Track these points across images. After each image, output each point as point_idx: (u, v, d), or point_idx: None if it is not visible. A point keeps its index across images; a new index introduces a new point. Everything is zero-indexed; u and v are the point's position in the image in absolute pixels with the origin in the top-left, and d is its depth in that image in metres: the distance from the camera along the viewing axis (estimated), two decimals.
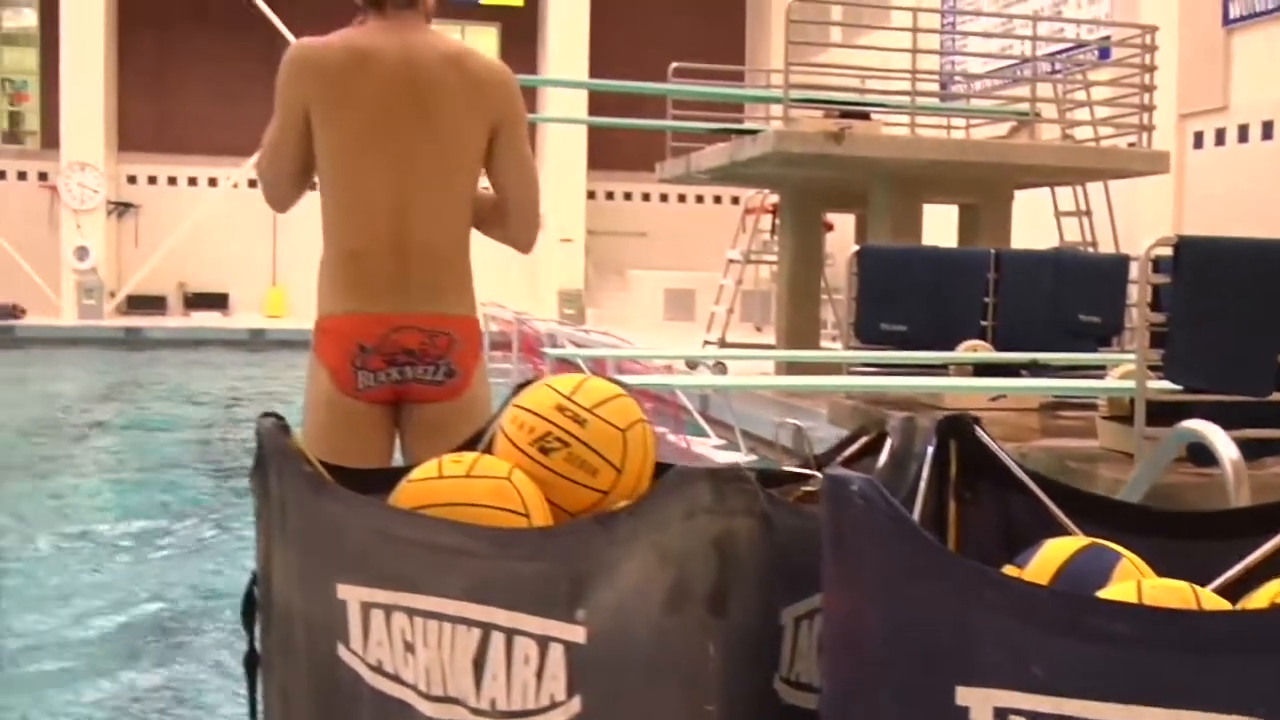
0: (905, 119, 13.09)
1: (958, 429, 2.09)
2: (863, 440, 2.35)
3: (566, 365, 13.99)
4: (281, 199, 3.86)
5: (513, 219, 3.88)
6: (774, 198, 16.05)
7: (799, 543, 1.78)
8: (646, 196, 28.51)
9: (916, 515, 1.87)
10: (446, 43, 3.73)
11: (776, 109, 13.95)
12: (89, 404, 15.34)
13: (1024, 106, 13.38)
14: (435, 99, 3.61)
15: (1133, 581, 1.74)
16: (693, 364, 12.50)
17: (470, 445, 2.56)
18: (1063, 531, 1.99)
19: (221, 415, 14.14)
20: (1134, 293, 9.40)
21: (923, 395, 9.14)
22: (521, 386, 2.47)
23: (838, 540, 1.62)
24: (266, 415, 2.32)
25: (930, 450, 2.02)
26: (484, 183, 3.91)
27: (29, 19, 27.49)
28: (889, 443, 2.15)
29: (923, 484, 1.93)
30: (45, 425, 13.27)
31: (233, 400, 15.56)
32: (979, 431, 2.09)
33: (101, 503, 9.03)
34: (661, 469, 2.36)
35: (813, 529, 1.70)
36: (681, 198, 28.07)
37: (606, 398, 2.31)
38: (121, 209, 26.79)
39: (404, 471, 2.31)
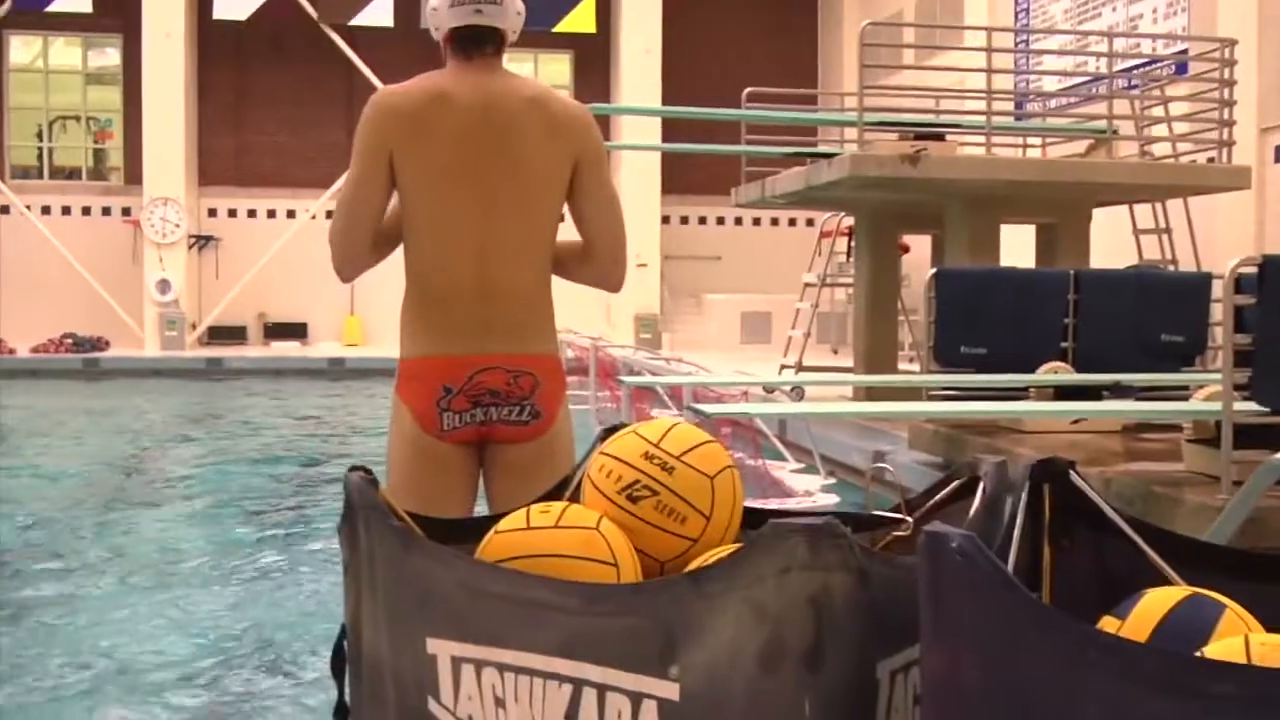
0: (981, 138, 13.00)
1: (1051, 473, 2.06)
2: (954, 484, 2.32)
3: (644, 393, 14.04)
4: (353, 261, 3.78)
5: (600, 256, 3.82)
6: (849, 220, 15.98)
7: (894, 594, 1.76)
8: (721, 220, 28.51)
9: (1011, 562, 1.84)
10: (526, 84, 3.74)
11: (851, 131, 13.91)
12: (172, 435, 15.54)
13: (1101, 124, 13.24)
14: (517, 138, 3.61)
15: (1239, 637, 1.69)
16: (770, 389, 12.44)
17: (557, 491, 2.55)
18: (1161, 578, 1.95)
19: (303, 445, 14.26)
20: (1217, 311, 9.27)
21: (1004, 419, 9.04)
22: (609, 432, 2.46)
23: (936, 596, 1.59)
24: (355, 469, 2.31)
25: (1024, 495, 1.99)
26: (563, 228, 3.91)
27: (112, 58, 27.99)
28: (981, 487, 2.12)
29: (1017, 530, 1.90)
30: (130, 456, 13.46)
31: (314, 431, 15.70)
32: (1073, 475, 2.06)
33: (183, 534, 9.10)
34: (750, 514, 2.34)
35: (908, 580, 1.68)
36: (756, 220, 28.05)
37: (694, 444, 2.30)
38: (202, 242, 27.18)
39: (491, 521, 2.31)
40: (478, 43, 3.68)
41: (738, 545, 2.16)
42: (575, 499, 2.41)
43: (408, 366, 3.67)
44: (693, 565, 2.17)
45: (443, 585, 2.03)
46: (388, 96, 3.62)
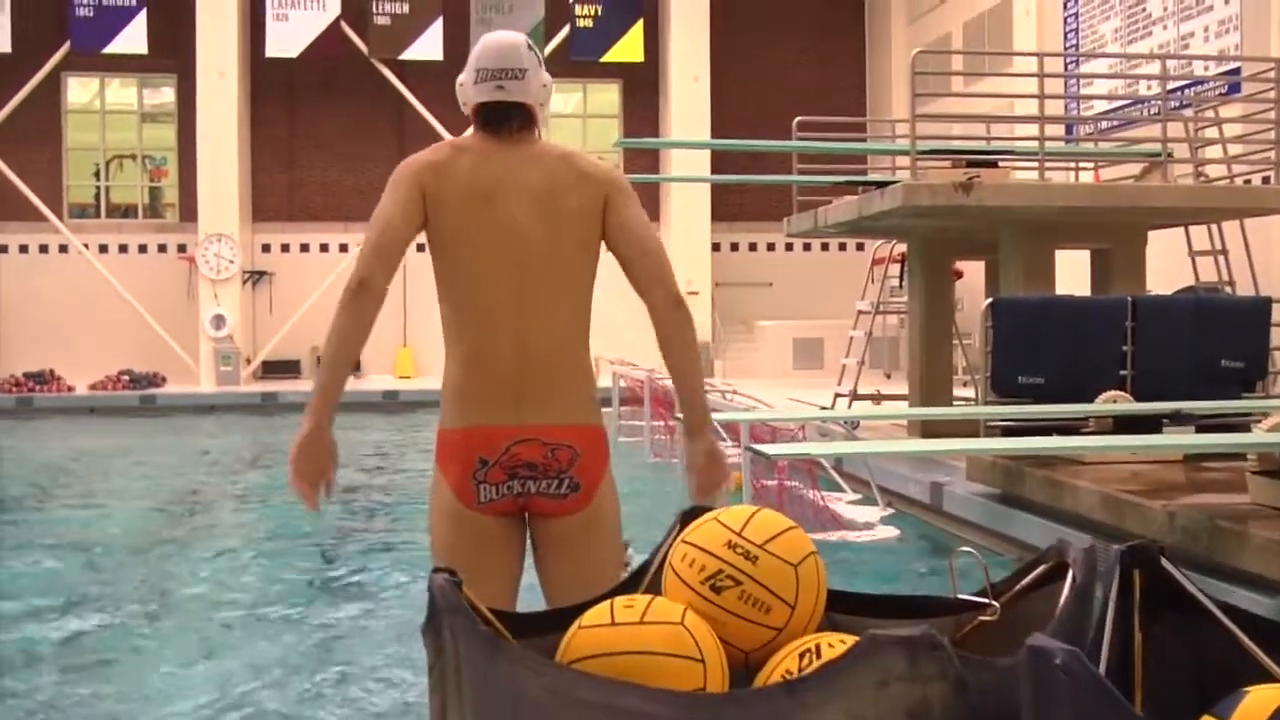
0: (1033, 163, 12.92)
1: (1141, 559, 2.02)
2: (1041, 569, 2.28)
3: None
4: (370, 303, 3.57)
5: (649, 274, 3.73)
6: (902, 247, 15.92)
7: (992, 697, 1.73)
8: (771, 246, 28.48)
9: (1105, 653, 1.80)
10: (554, 146, 3.72)
11: (902, 157, 13.87)
12: (229, 472, 15.63)
13: (1154, 146, 13.14)
14: (546, 190, 3.56)
15: None
16: (823, 430, 12.41)
17: (636, 577, 2.53)
18: (1262, 672, 1.91)
19: (362, 480, 14.28)
20: (1278, 336, 9.19)
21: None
22: (688, 515, 2.44)
23: (1040, 711, 1.56)
24: (438, 571, 2.29)
25: (1114, 582, 1.96)
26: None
27: (167, 97, 28.30)
28: (1070, 575, 2.08)
29: (1109, 620, 1.87)
30: (187, 494, 13.52)
31: (373, 466, 15.73)
32: (1164, 562, 2.02)
33: (240, 575, 9.10)
34: (834, 597, 2.31)
35: (1006, 683, 1.65)
36: (806, 246, 28.01)
37: (777, 532, 2.28)
38: (256, 277, 27.40)
39: (574, 613, 2.29)
40: (502, 119, 3.65)
41: (825, 638, 2.14)
42: (654, 585, 2.39)
43: (445, 436, 3.61)
44: (779, 657, 2.14)
45: (532, 692, 2.01)
46: (418, 157, 3.61)
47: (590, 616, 2.25)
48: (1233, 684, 1.80)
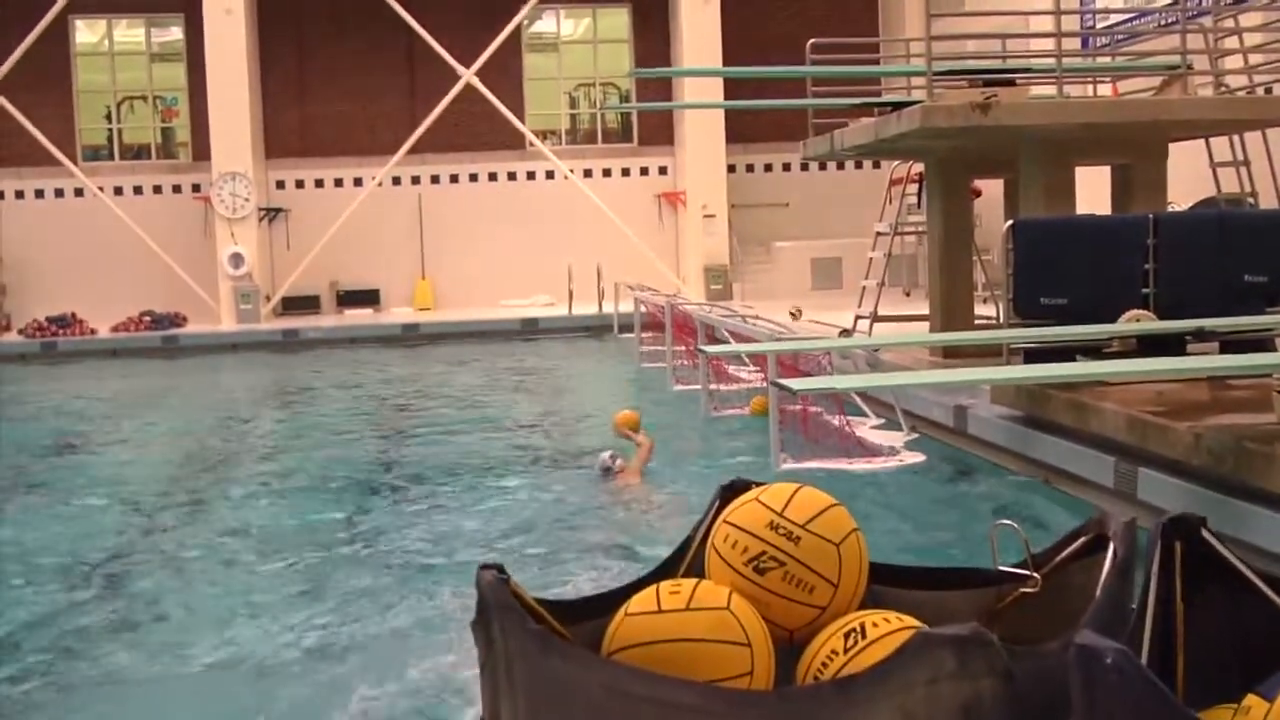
0: (1051, 81, 12.79)
1: (1183, 531, 2.02)
2: (1081, 540, 2.29)
3: (722, 360, 14.00)
4: None
5: None
6: (919, 167, 15.81)
7: (1040, 683, 1.74)
8: (787, 167, 28.30)
9: (1148, 629, 1.81)
10: None
11: (918, 79, 13.74)
12: (255, 409, 15.70)
13: (1173, 58, 12.98)
14: None
15: None
16: (846, 355, 12.39)
17: (678, 555, 2.54)
18: None
19: (387, 418, 14.35)
20: None
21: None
22: (728, 492, 2.45)
23: (1090, 709, 1.57)
24: (486, 567, 2.30)
25: (1156, 556, 1.96)
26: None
27: (175, 35, 28.13)
28: (1111, 548, 2.09)
29: (1151, 598, 1.87)
30: (214, 432, 13.56)
31: (397, 403, 15.78)
32: (1205, 534, 2.02)
33: (270, 514, 9.16)
34: (874, 571, 2.32)
35: (1053, 667, 1.66)
36: (823, 166, 27.81)
37: (818, 511, 2.28)
38: (272, 214, 27.35)
39: (620, 596, 2.31)
40: None
41: (869, 616, 2.15)
42: (696, 564, 2.40)
43: None
44: (824, 636, 2.16)
45: (585, 687, 2.02)
46: None
47: (637, 603, 2.27)
48: (1278, 659, 1.81)
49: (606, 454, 9.74)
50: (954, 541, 7.39)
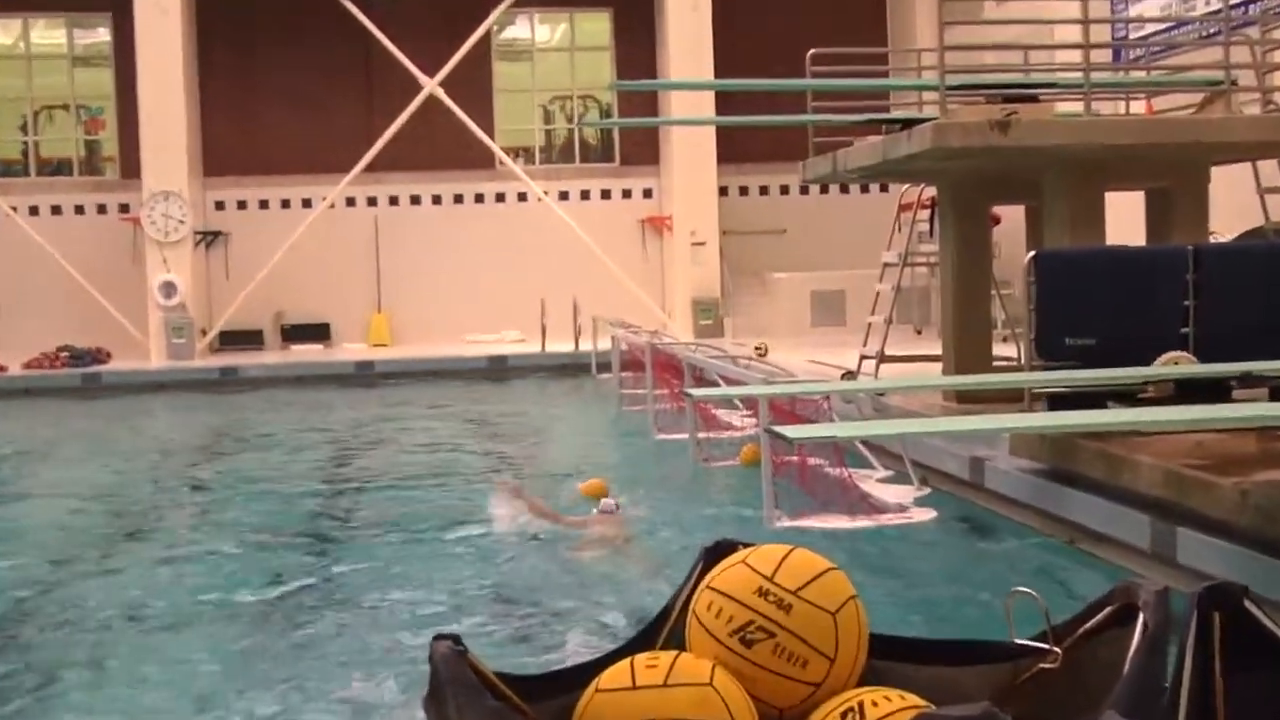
0: (1078, 96, 12.84)
1: (1222, 601, 2.00)
2: (1107, 611, 2.27)
3: (710, 404, 13.98)
4: None
5: None
6: (932, 191, 15.86)
7: None
8: (785, 189, 28.39)
9: (1182, 709, 1.80)
10: None
11: (930, 94, 13.80)
12: (185, 459, 15.60)
13: (1215, 73, 13.04)
14: None
15: None
16: (849, 400, 12.40)
17: (656, 625, 2.51)
18: None
19: (333, 469, 14.27)
20: None
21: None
22: (712, 554, 2.43)
23: None
24: (442, 637, 2.28)
25: (1192, 628, 1.94)
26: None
27: (101, 37, 28.15)
28: (1141, 620, 2.07)
29: (1186, 675, 1.86)
30: (136, 486, 13.43)
31: (345, 450, 15.71)
32: (1248, 604, 2.00)
33: (193, 580, 9.03)
34: (875, 643, 2.30)
35: None
36: (824, 189, 27.82)
37: (814, 575, 2.26)
38: (210, 238, 27.36)
39: (589, 671, 2.28)
40: None
41: (868, 694, 2.12)
42: (676, 634, 2.38)
43: None
44: (818, 716, 2.13)
45: None
46: None
47: (609, 677, 2.24)
48: None
49: (612, 501, 9.83)
50: (966, 610, 7.36)
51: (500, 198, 28.30)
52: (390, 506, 11.59)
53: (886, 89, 17.34)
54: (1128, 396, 9.23)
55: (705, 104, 25.81)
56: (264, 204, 27.95)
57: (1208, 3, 15.36)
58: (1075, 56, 12.71)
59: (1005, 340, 16.32)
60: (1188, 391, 9.01)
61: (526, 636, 7.24)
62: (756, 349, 18.95)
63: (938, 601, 7.78)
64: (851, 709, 2.12)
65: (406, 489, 12.46)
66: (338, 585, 8.69)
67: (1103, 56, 15.71)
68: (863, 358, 15.62)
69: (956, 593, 7.95)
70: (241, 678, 6.74)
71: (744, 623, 2.25)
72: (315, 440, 16.44)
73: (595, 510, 9.87)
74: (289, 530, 10.64)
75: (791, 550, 2.33)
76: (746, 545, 2.53)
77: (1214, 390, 9.04)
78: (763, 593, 2.26)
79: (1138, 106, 15.21)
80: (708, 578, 2.38)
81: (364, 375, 24.02)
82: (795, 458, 10.75)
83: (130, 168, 26.92)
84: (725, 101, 25.86)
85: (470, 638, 2.42)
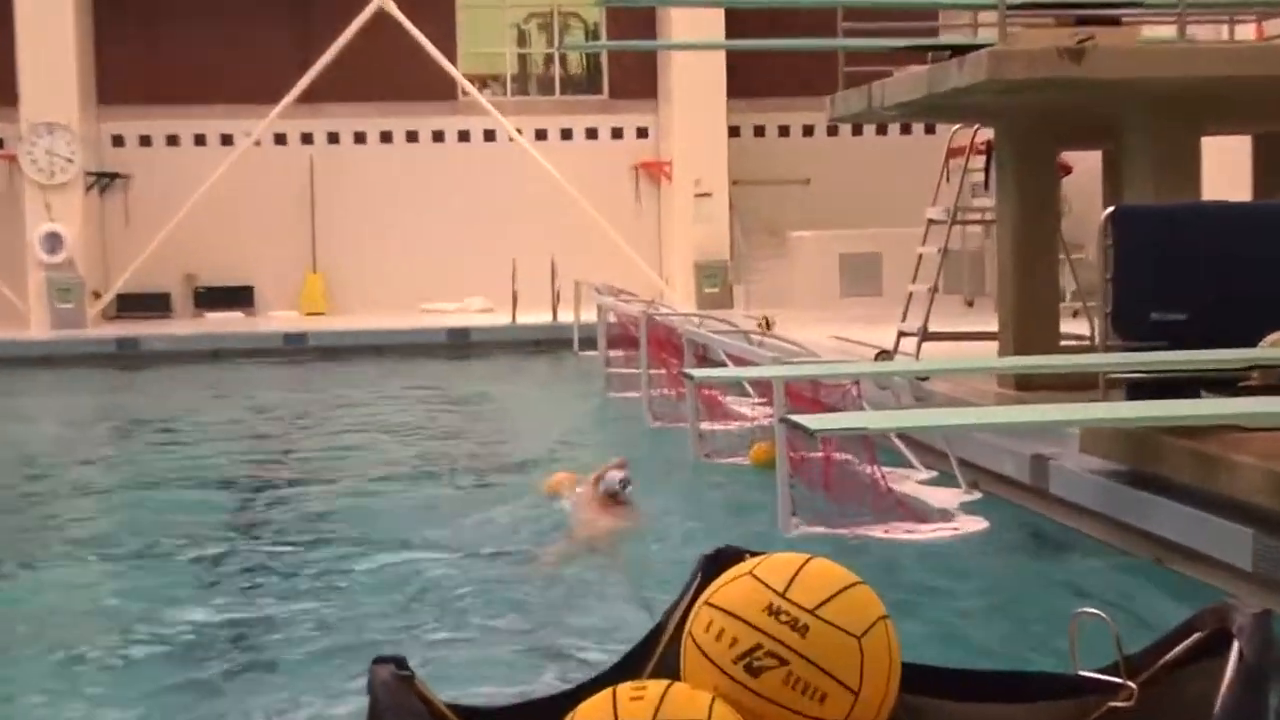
0: (1170, 17, 12.84)
1: None
2: (1196, 637, 2.27)
3: (715, 388, 13.99)
4: None
5: None
6: (988, 133, 15.86)
7: None
8: (809, 131, 28.41)
9: None
10: None
11: (987, 14, 13.79)
12: (67, 454, 15.49)
13: None
14: None
15: None
16: (884, 385, 12.41)
17: (644, 649, 2.51)
18: None
19: (257, 467, 14.24)
20: None
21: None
22: (713, 563, 2.42)
23: None
24: (383, 660, 2.27)
25: None
26: None
27: None
28: (1235, 649, 2.06)
29: None
30: (10, 486, 13.40)
31: (271, 444, 15.70)
32: None
33: (77, 604, 9.04)
34: (909, 674, 2.29)
35: None
36: (857, 130, 27.91)
37: (835, 591, 2.24)
38: (105, 181, 27.34)
39: (564, 703, 2.26)
40: None
41: None
42: (668, 660, 2.37)
43: None
44: None
45: None
46: None
47: (587, 711, 2.24)
48: None
49: (617, 476, 9.88)
50: (1022, 639, 7.37)
51: (463, 136, 28.30)
52: (327, 512, 11.57)
53: (934, 7, 17.34)
54: (1226, 384, 9.22)
55: (714, 24, 25.74)
56: (173, 140, 27.96)
57: None
58: None
59: (1075, 315, 16.36)
60: None
61: (491, 662, 7.25)
62: (759, 322, 18.99)
63: (987, 627, 7.78)
64: None
65: (347, 492, 12.45)
66: (262, 608, 8.66)
67: None
68: (901, 334, 15.63)
69: (1011, 618, 7.97)
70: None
71: (750, 647, 2.24)
72: (235, 431, 16.42)
73: (601, 490, 9.89)
74: (201, 543, 10.59)
75: (809, 560, 2.31)
76: (754, 554, 2.53)
77: None
78: (773, 611, 2.26)
79: (1244, 31, 15.20)
80: (707, 592, 2.37)
81: (295, 350, 24.06)
82: (818, 454, 10.76)
83: (6, 95, 26.77)
84: (738, 21, 25.78)
85: (420, 663, 2.40)
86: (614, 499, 9.86)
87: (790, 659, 2.22)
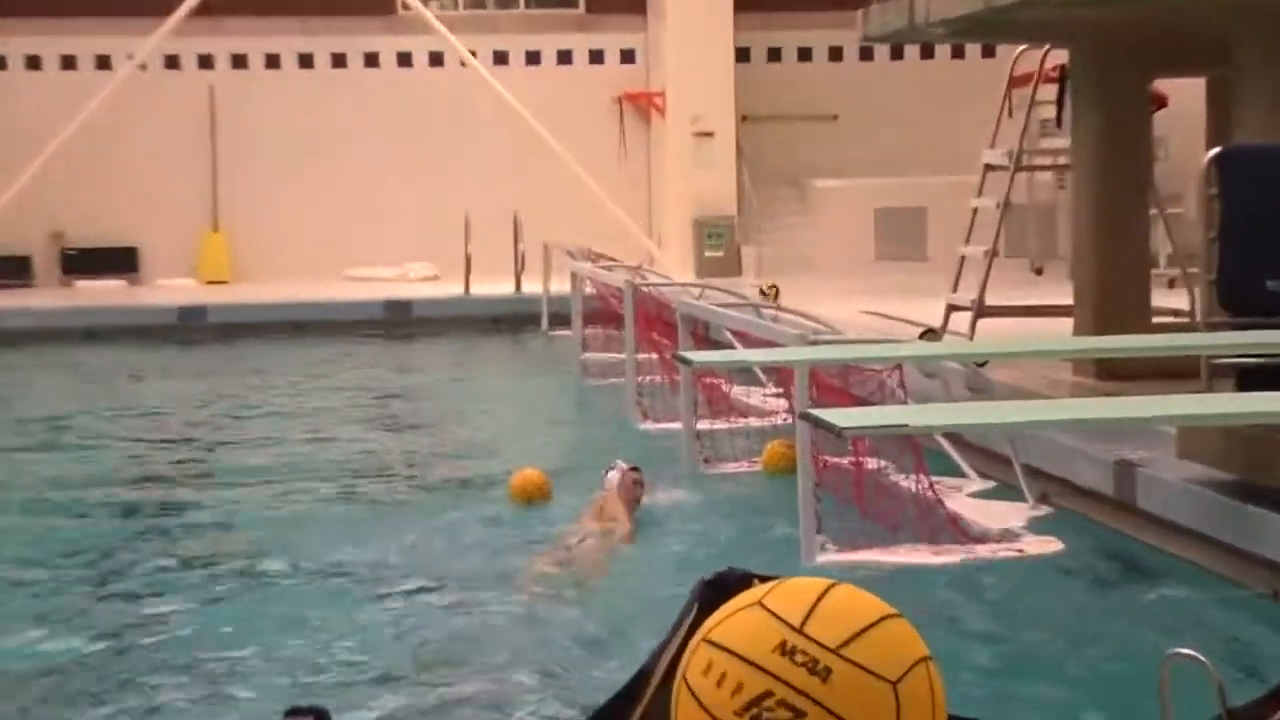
0: None
1: None
2: None
3: (718, 375, 14.01)
4: None
5: None
6: (1061, 56, 15.90)
7: None
8: (837, 53, 28.46)
9: None
10: None
11: None
12: None
13: None
14: None
15: None
16: (930, 372, 12.44)
17: (631, 693, 2.51)
18: None
19: (145, 474, 14.26)
20: None
21: None
22: (713, 591, 2.41)
23: None
24: (298, 712, 2.28)
25: None
26: None
27: None
28: None
29: None
30: None
31: (163, 445, 15.70)
32: None
33: None
34: None
35: None
36: (897, 53, 28.00)
37: (863, 626, 2.24)
38: None
39: None
40: None
41: None
42: (659, 707, 2.37)
43: None
44: None
45: None
46: None
47: None
48: None
49: (617, 472, 10.02)
50: (1102, 685, 7.41)
51: (403, 60, 28.37)
52: (230, 530, 11.61)
53: None
54: None
55: None
56: (34, 63, 27.94)
57: None
58: None
59: (1172, 285, 16.44)
60: None
61: (438, 710, 7.30)
62: (764, 291, 19.07)
63: (1058, 672, 7.84)
64: None
65: (257, 506, 12.48)
66: (155, 647, 8.72)
67: None
68: (951, 308, 15.68)
69: (1087, 662, 8.01)
70: None
71: (758, 694, 2.24)
72: (118, 429, 16.43)
73: (599, 492, 10.00)
74: (84, 557, 10.63)
75: (832, 586, 2.30)
76: (764, 579, 2.52)
77: None
78: (787, 650, 2.25)
79: None
80: (705, 627, 2.36)
81: (192, 327, 24.14)
82: (847, 459, 10.79)
83: None
84: None
85: (351, 712, 2.38)
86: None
87: (807, 709, 2.22)
